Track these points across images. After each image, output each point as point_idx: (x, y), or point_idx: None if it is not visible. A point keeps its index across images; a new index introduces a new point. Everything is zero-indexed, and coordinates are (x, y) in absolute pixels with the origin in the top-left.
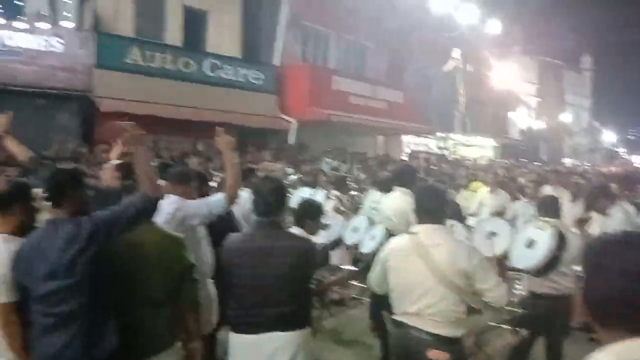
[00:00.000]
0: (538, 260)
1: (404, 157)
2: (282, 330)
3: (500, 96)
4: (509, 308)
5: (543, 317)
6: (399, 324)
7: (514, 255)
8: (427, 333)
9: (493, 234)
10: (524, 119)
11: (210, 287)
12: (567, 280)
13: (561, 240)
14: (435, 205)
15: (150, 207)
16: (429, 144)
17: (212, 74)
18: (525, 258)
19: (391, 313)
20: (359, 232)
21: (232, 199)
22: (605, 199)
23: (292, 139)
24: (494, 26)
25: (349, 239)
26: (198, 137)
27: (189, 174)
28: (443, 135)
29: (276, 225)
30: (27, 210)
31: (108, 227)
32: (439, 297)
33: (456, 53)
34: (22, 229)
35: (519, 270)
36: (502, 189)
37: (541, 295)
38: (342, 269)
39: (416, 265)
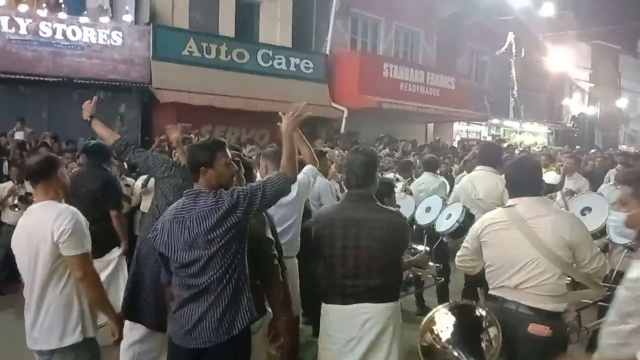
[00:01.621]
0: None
1: (455, 145)
2: (373, 302)
3: (554, 82)
4: (609, 285)
5: None
6: (496, 299)
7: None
8: (527, 307)
9: (588, 209)
10: (576, 105)
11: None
12: None
13: None
14: (530, 178)
15: (288, 188)
16: (481, 131)
17: (264, 64)
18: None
19: (486, 289)
20: (432, 212)
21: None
22: None
23: (343, 127)
24: (548, 9)
25: (422, 220)
26: (251, 127)
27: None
28: (496, 122)
29: (367, 198)
30: (60, 179)
31: (248, 203)
32: (541, 270)
33: (510, 37)
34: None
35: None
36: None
37: None
38: (417, 249)
39: (516, 238)
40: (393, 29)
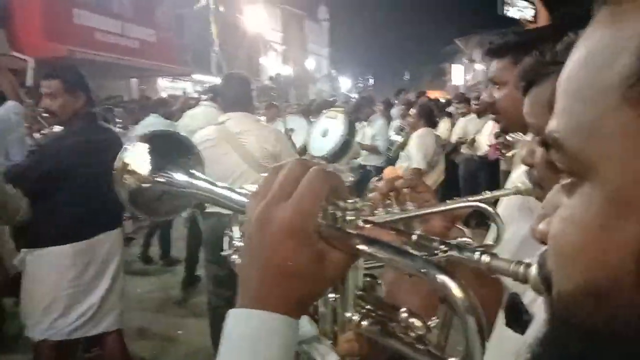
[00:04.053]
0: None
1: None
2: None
3: (252, 40)
4: None
5: None
6: (212, 215)
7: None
8: None
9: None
10: (273, 65)
11: None
12: None
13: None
14: (239, 93)
15: None
16: (187, 87)
17: None
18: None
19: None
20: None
21: None
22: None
23: (29, 78)
24: None
25: None
26: None
27: None
28: (200, 78)
29: None
30: None
31: None
32: (250, 182)
33: None
34: None
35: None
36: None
37: None
38: None
39: (226, 154)
40: None
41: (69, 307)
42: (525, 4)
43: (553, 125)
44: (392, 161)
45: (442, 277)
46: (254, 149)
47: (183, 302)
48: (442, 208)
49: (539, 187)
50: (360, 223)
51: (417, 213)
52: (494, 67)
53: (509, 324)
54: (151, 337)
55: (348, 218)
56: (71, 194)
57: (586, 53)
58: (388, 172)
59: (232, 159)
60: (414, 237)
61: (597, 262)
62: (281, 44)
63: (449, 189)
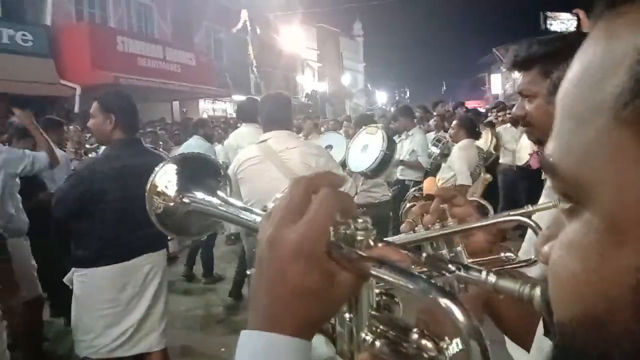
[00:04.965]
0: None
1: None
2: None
3: (288, 60)
4: None
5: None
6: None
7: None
8: None
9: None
10: (309, 82)
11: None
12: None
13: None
14: (282, 112)
15: None
16: (227, 108)
17: None
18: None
19: None
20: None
21: (51, 162)
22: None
23: (76, 106)
24: None
25: None
26: None
27: None
28: (239, 98)
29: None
30: None
31: None
32: None
33: (244, 15)
34: None
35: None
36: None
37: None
38: None
39: (269, 171)
40: (123, 1)
41: (107, 327)
42: (569, 16)
43: (549, 148)
44: (430, 173)
45: (445, 301)
46: (296, 166)
47: (226, 320)
48: (483, 223)
49: None
50: (371, 242)
51: (458, 229)
52: (522, 79)
53: (547, 333)
54: (195, 355)
55: (358, 238)
56: (107, 217)
57: (580, 70)
58: (428, 183)
59: (275, 176)
60: (423, 257)
61: (594, 293)
62: (317, 62)
63: (489, 199)
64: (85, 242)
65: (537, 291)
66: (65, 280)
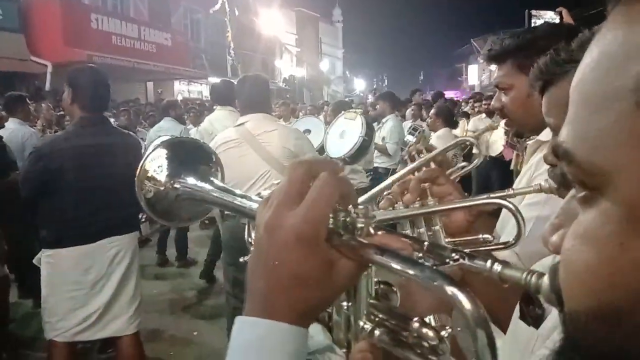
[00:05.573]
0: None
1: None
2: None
3: (266, 43)
4: None
5: None
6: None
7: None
8: None
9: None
10: (287, 67)
11: None
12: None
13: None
14: (259, 95)
15: None
16: (203, 90)
17: None
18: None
19: None
20: None
21: None
22: None
23: (48, 83)
24: None
25: None
26: None
27: None
28: (216, 80)
29: None
30: None
31: None
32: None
33: None
34: None
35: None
36: None
37: None
38: None
39: (247, 154)
40: None
41: (72, 310)
42: (553, 14)
43: (563, 134)
44: (406, 162)
45: (452, 289)
46: (274, 150)
47: (198, 304)
48: (464, 204)
49: (564, 187)
50: (372, 230)
51: (438, 209)
52: (497, 72)
53: (523, 317)
54: (166, 339)
55: (359, 225)
56: (66, 197)
57: (598, 55)
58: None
59: (253, 160)
60: (426, 245)
61: (612, 284)
62: (295, 46)
63: (463, 188)
64: (47, 222)
65: (545, 280)
66: (34, 261)
